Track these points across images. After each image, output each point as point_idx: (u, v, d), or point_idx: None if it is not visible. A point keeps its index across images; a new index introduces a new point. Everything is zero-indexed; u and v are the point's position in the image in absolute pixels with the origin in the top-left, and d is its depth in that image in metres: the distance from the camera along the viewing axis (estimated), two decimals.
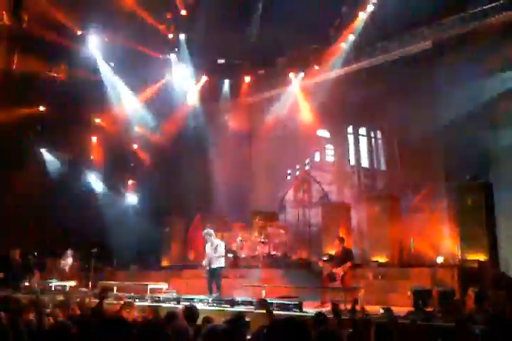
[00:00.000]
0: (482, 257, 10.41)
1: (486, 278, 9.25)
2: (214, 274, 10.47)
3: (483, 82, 11.32)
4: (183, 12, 15.41)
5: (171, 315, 4.94)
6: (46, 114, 16.45)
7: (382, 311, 6.44)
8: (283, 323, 3.38)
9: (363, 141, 15.65)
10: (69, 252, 14.51)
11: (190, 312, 5.40)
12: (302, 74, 15.76)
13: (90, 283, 13.10)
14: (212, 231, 10.89)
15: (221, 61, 16.67)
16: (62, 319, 5.28)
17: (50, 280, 13.33)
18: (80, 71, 15.83)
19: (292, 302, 8.58)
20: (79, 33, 15.28)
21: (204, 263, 10.71)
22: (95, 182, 17.72)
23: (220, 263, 10.49)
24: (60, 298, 9.83)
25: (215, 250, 10.47)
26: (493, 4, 11.79)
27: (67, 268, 14.32)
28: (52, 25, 14.11)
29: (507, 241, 10.72)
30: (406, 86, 12.73)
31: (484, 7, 11.92)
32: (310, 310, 8.41)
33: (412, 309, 8.23)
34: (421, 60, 12.98)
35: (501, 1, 11.66)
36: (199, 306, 8.64)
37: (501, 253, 10.58)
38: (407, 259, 12.22)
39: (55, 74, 16.05)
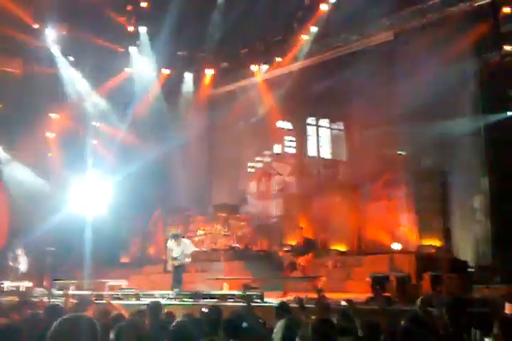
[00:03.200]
0: (437, 243, 10.66)
1: (441, 263, 9.46)
2: (178, 270, 10.48)
3: (440, 72, 11.48)
4: (144, 4, 15.14)
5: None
6: (1, 111, 15.96)
7: (344, 303, 6.48)
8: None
9: (324, 132, 15.76)
10: (19, 251, 13.81)
11: (154, 308, 5.45)
12: (265, 66, 15.72)
13: (46, 283, 12.79)
14: (179, 234, 10.87)
15: (182, 53, 16.46)
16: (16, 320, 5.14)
17: (2, 282, 12.65)
18: (36, 66, 15.40)
19: (254, 293, 8.57)
20: (35, 26, 14.84)
21: (168, 263, 10.71)
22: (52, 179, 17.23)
23: (186, 260, 10.53)
24: (15, 299, 9.55)
25: (184, 250, 10.44)
26: None
27: (22, 268, 13.66)
28: (6, 19, 13.66)
29: (460, 227, 11.01)
30: (367, 76, 12.83)
31: None
32: (273, 300, 8.41)
33: (370, 295, 8.36)
34: (382, 51, 13.12)
35: None
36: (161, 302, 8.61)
37: (454, 239, 10.87)
38: (365, 247, 12.40)
39: (11, 70, 15.58)
